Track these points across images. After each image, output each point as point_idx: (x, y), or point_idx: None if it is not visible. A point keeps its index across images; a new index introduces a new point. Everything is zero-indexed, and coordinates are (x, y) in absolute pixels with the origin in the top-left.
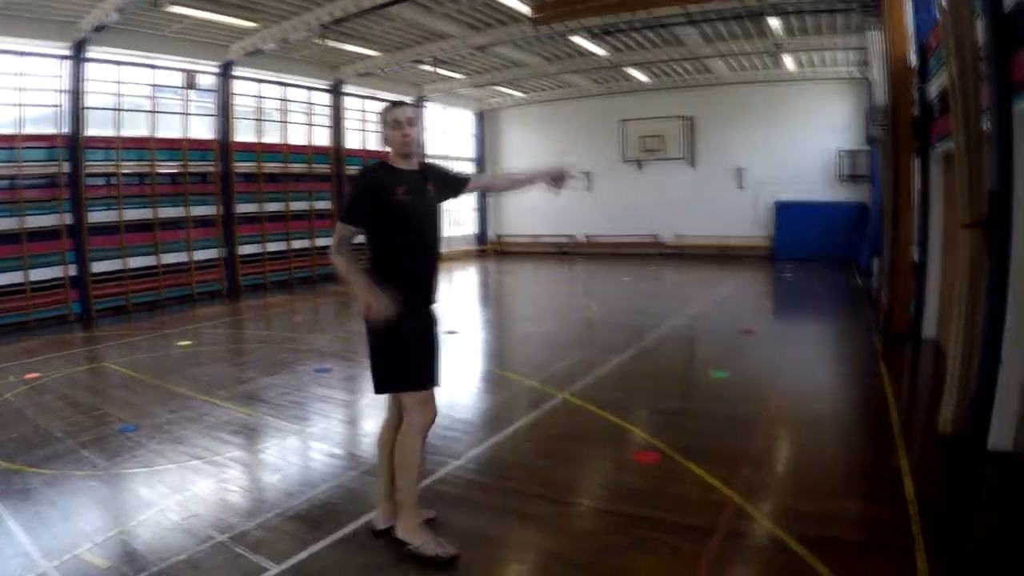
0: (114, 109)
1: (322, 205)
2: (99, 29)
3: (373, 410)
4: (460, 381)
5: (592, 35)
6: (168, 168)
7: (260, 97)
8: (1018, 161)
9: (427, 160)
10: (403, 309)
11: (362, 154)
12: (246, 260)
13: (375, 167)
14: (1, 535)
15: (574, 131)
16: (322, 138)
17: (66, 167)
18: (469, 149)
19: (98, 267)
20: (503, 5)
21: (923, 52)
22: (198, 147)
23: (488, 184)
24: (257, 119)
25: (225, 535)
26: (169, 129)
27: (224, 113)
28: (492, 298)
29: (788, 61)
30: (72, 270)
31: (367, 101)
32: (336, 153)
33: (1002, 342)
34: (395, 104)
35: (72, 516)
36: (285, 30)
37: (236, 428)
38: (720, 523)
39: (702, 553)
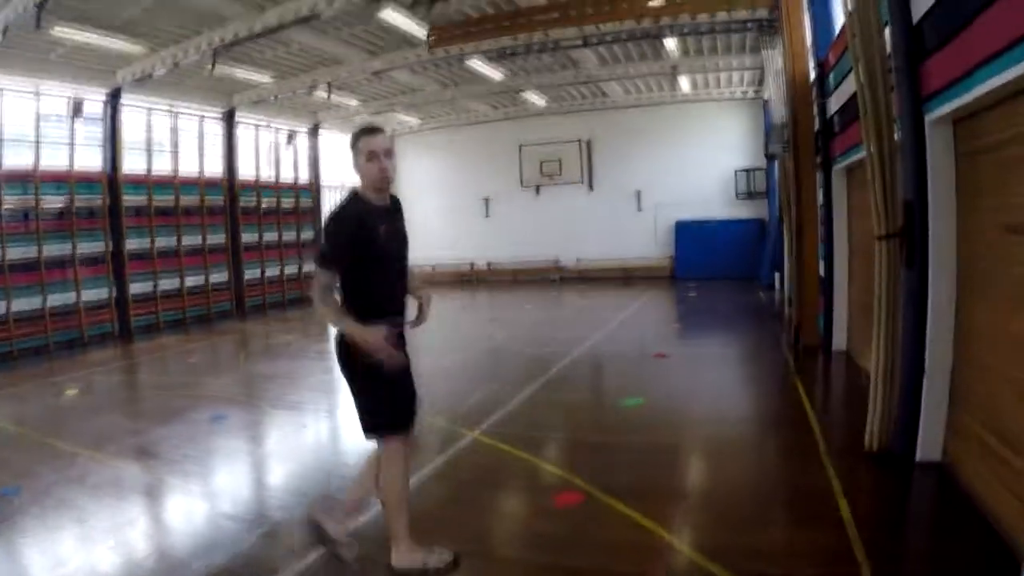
0: None
1: (215, 240)
2: None
3: (274, 462)
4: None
5: (489, 58)
6: (54, 203)
7: (150, 127)
8: (931, 170)
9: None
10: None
11: (252, 183)
12: (138, 299)
13: (352, 205)
14: None
15: (472, 157)
16: (215, 167)
17: None
18: None
19: None
20: (399, 29)
21: (822, 68)
22: (85, 179)
23: None
24: (147, 149)
25: None
26: (54, 160)
27: (112, 143)
28: None
29: (684, 82)
30: None
31: (261, 129)
32: (229, 183)
33: (925, 353)
34: (369, 131)
35: None
36: (175, 54)
37: (125, 488)
38: (653, 569)
39: None
